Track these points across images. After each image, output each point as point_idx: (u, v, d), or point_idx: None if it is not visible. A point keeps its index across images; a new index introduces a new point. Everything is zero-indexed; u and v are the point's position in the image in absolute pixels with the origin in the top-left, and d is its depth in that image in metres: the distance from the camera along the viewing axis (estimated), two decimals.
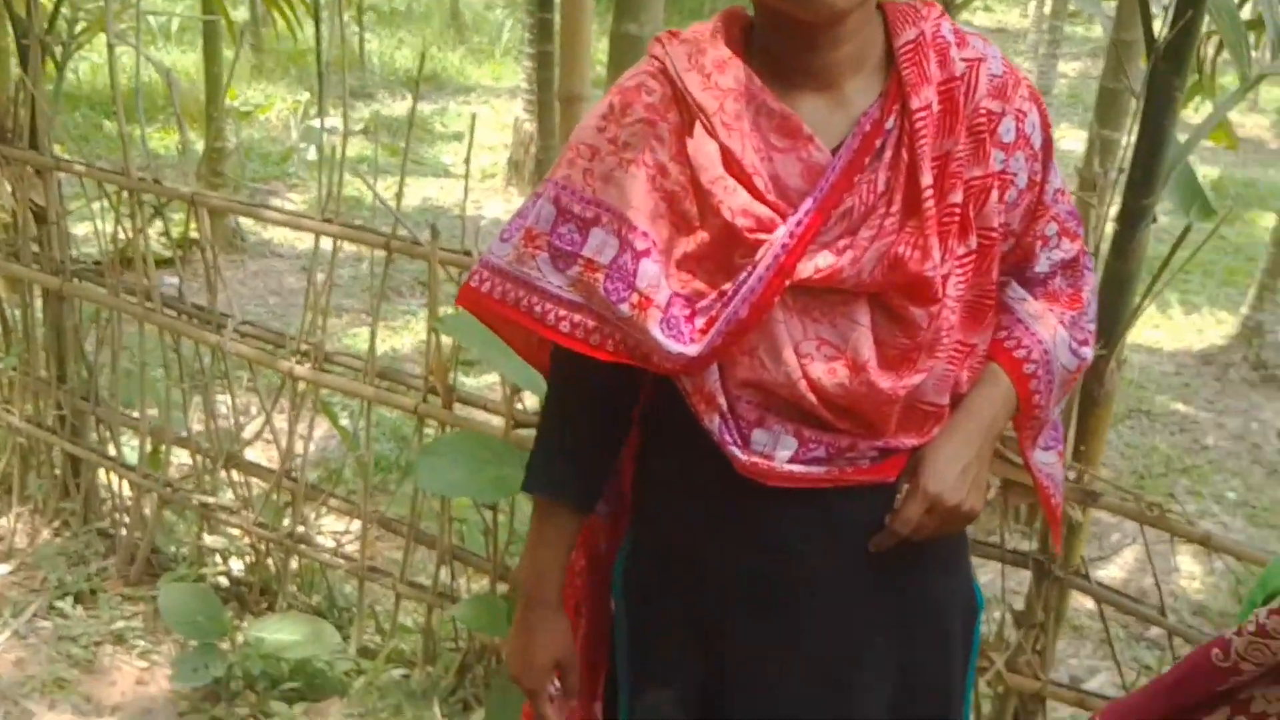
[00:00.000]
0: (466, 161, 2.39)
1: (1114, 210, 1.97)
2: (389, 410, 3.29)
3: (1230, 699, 0.59)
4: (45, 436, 2.99)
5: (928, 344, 1.21)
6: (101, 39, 2.72)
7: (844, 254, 1.17)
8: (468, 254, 2.15)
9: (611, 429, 1.38)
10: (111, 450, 2.98)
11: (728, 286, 1.18)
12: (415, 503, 2.46)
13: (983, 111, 1.22)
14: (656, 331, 1.17)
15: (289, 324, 5.53)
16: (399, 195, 2.37)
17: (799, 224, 1.16)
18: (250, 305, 5.71)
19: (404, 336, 5.31)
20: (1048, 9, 9.59)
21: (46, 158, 2.75)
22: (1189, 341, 5.89)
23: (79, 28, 2.97)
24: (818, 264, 1.16)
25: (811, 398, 1.20)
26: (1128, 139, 1.99)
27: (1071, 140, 9.28)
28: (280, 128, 8.52)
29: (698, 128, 1.19)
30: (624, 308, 1.19)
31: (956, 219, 1.20)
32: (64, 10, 2.85)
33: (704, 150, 1.18)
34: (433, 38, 11.53)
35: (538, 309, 1.25)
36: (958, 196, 1.20)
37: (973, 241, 1.23)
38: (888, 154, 1.18)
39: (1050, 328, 1.32)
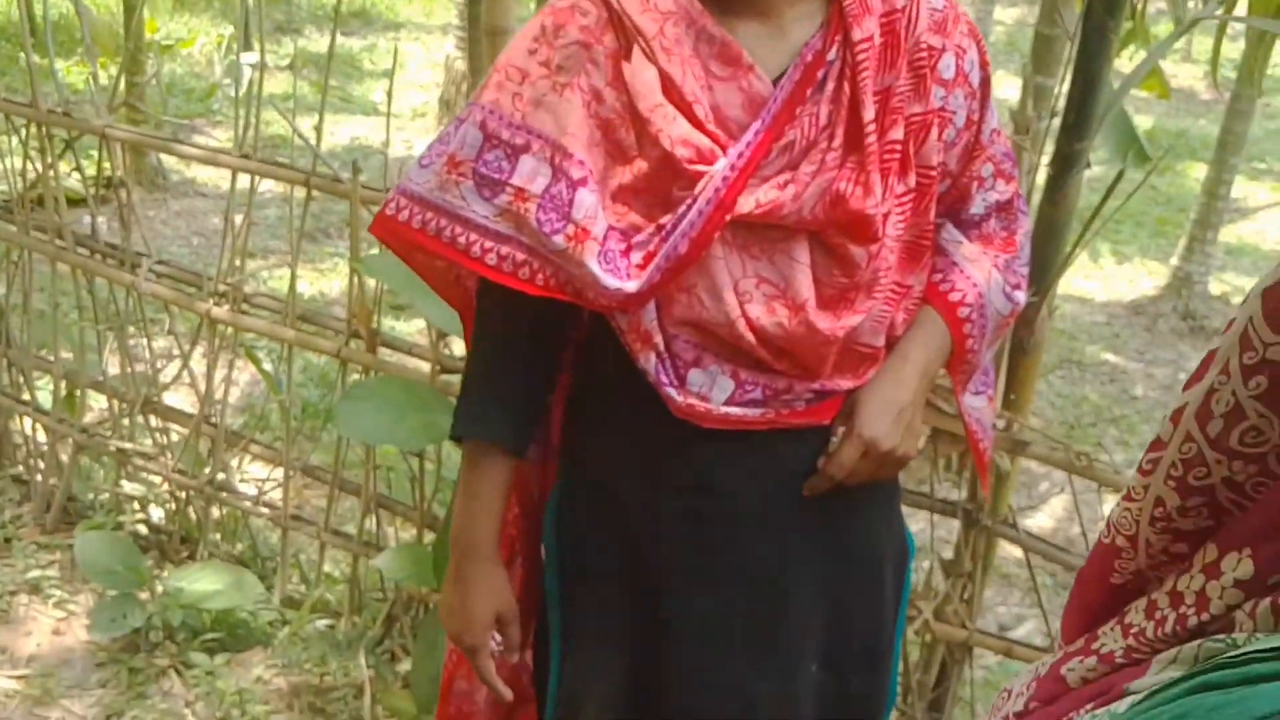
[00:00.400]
0: (389, 95, 2.29)
1: (1047, 157, 1.95)
2: (315, 355, 3.21)
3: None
4: None
5: (866, 284, 1.19)
6: None
7: (785, 189, 1.13)
8: (388, 191, 2.08)
9: (543, 368, 1.33)
10: (25, 395, 2.87)
11: (666, 220, 1.14)
12: (340, 450, 2.39)
13: (924, 46, 1.19)
14: (594, 265, 1.13)
15: (212, 265, 5.41)
16: (318, 131, 2.28)
17: (740, 156, 1.13)
18: (173, 246, 5.56)
19: (331, 279, 5.20)
20: None
21: None
22: (1120, 292, 5.95)
23: None
24: (759, 198, 1.13)
25: (750, 337, 1.17)
26: (1061, 87, 1.97)
27: (1009, 87, 9.29)
28: (204, 63, 8.27)
29: (636, 52, 1.14)
30: (558, 239, 1.13)
31: (897, 156, 1.18)
32: None
33: (642, 76, 1.13)
34: None
35: (461, 239, 1.18)
36: (899, 133, 1.17)
37: (912, 180, 1.20)
38: (830, 86, 1.15)
39: (985, 271, 1.30)
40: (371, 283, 2.12)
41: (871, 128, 1.14)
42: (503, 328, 1.29)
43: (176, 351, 2.75)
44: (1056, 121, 1.93)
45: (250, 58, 7.86)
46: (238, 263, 2.37)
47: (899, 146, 1.17)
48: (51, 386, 2.76)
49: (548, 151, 1.15)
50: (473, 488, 1.31)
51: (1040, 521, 3.66)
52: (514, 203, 1.15)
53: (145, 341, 2.63)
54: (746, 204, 1.12)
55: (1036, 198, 1.97)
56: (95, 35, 3.29)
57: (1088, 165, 1.93)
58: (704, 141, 1.12)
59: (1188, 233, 5.64)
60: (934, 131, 1.20)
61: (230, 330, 2.41)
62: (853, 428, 1.24)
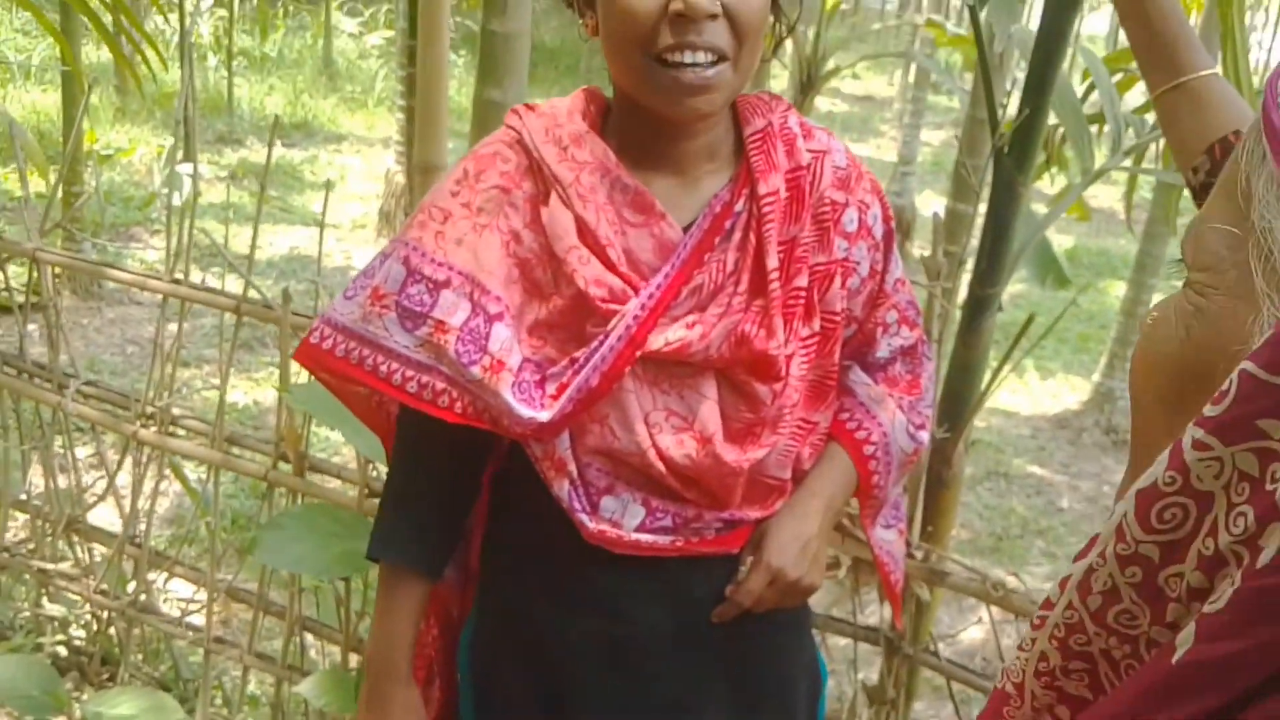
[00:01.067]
0: (320, 227, 2.33)
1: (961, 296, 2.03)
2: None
3: None
4: None
5: (771, 419, 1.24)
6: None
7: (693, 329, 1.19)
8: None
9: (459, 493, 1.37)
10: None
11: (580, 354, 1.19)
12: (265, 571, 2.37)
13: (827, 201, 1.26)
14: (508, 395, 1.17)
15: (144, 376, 5.38)
16: (252, 249, 2.30)
17: (651, 297, 1.19)
18: (106, 354, 5.53)
19: (265, 388, 5.19)
20: (912, 79, 9.90)
21: None
22: (1045, 406, 6.09)
23: None
24: (668, 337, 1.18)
25: (660, 466, 1.21)
26: (978, 218, 2.06)
27: (936, 206, 9.59)
28: (144, 172, 8.29)
29: (553, 198, 1.20)
30: (475, 370, 1.18)
31: (801, 301, 1.24)
32: None
33: (559, 220, 1.19)
34: (305, 84, 11.39)
35: (383, 368, 1.23)
36: (803, 280, 1.24)
37: (816, 324, 1.27)
38: (736, 235, 1.22)
39: (890, 412, 1.37)
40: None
41: (775, 275, 1.21)
42: (421, 453, 1.33)
43: (99, 469, 2.73)
44: (967, 263, 2.01)
45: (188, 168, 7.93)
46: (166, 382, 2.37)
47: (803, 293, 1.24)
48: None
49: (467, 287, 1.20)
50: (388, 608, 1.33)
51: (972, 634, 3.70)
52: (434, 334, 1.20)
53: (70, 459, 2.61)
54: (656, 341, 1.18)
55: (951, 339, 2.04)
56: (27, 151, 3.31)
57: (999, 309, 2.02)
58: (616, 282, 1.18)
59: (1109, 349, 5.81)
60: (837, 280, 1.27)
61: (155, 450, 2.41)
62: (760, 557, 1.28)
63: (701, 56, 1.12)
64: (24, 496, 2.67)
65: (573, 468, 1.23)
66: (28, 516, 2.69)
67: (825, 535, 1.35)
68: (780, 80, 12.86)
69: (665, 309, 1.19)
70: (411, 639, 1.34)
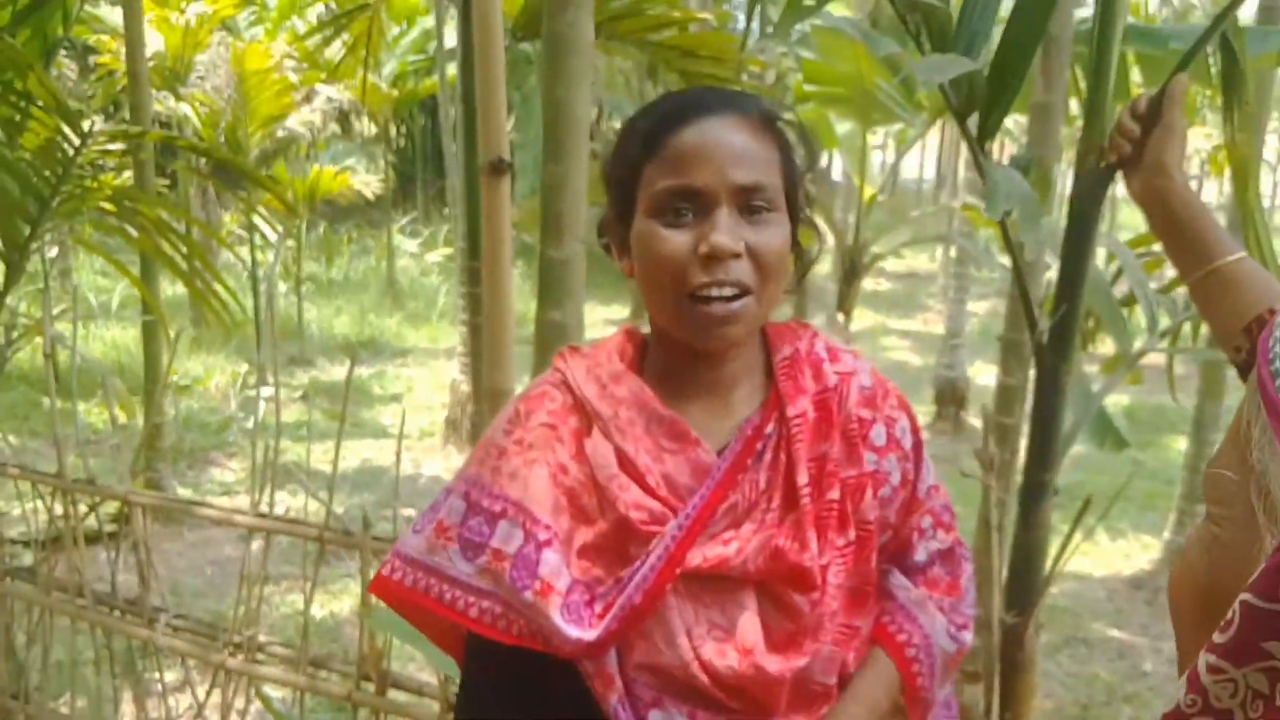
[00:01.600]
0: (397, 456, 2.48)
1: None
2: None
3: None
4: None
5: (811, 628, 1.30)
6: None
7: (730, 545, 1.27)
8: None
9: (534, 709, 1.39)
10: None
11: (624, 574, 1.27)
12: None
13: (855, 418, 1.36)
14: (557, 617, 1.24)
15: (225, 596, 5.53)
16: (334, 474, 2.45)
17: (688, 517, 1.27)
18: (187, 577, 5.68)
19: (341, 600, 5.29)
20: (953, 254, 10.14)
21: None
22: (1117, 567, 6.02)
23: (15, 333, 3.10)
24: (706, 554, 1.26)
25: (704, 679, 1.26)
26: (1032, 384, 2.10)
27: (986, 376, 9.64)
28: (219, 397, 8.64)
29: (595, 431, 1.30)
30: (527, 595, 1.25)
31: (835, 513, 1.32)
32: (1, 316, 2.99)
33: (600, 451, 1.29)
34: (370, 304, 11.87)
35: (448, 595, 1.31)
36: (835, 493, 1.32)
37: (851, 534, 1.34)
38: (768, 456, 1.31)
39: (930, 614, 1.42)
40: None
41: (806, 491, 1.29)
42: (489, 682, 1.38)
43: (188, 696, 2.84)
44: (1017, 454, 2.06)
45: (265, 391, 8.26)
46: (252, 613, 2.50)
47: (836, 505, 1.32)
48: None
49: (519, 517, 1.29)
50: None
51: None
52: (492, 562, 1.29)
53: (161, 693, 2.73)
54: (695, 558, 1.26)
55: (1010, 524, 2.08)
56: (116, 396, 3.54)
57: (1055, 493, 2.05)
58: (655, 506, 1.27)
59: (1176, 506, 5.77)
60: (869, 491, 1.35)
61: (242, 677, 2.52)
62: None
63: (728, 291, 1.23)
64: None
65: (619, 683, 1.28)
66: None
67: None
68: (824, 265, 13.17)
69: (703, 528, 1.27)
70: None
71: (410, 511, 6.59)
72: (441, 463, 7.66)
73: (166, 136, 4.05)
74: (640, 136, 1.28)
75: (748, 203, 1.25)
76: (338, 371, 9.73)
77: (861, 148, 5.52)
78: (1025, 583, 2.03)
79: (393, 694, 2.31)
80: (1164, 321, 2.35)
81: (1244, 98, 1.67)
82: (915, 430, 1.42)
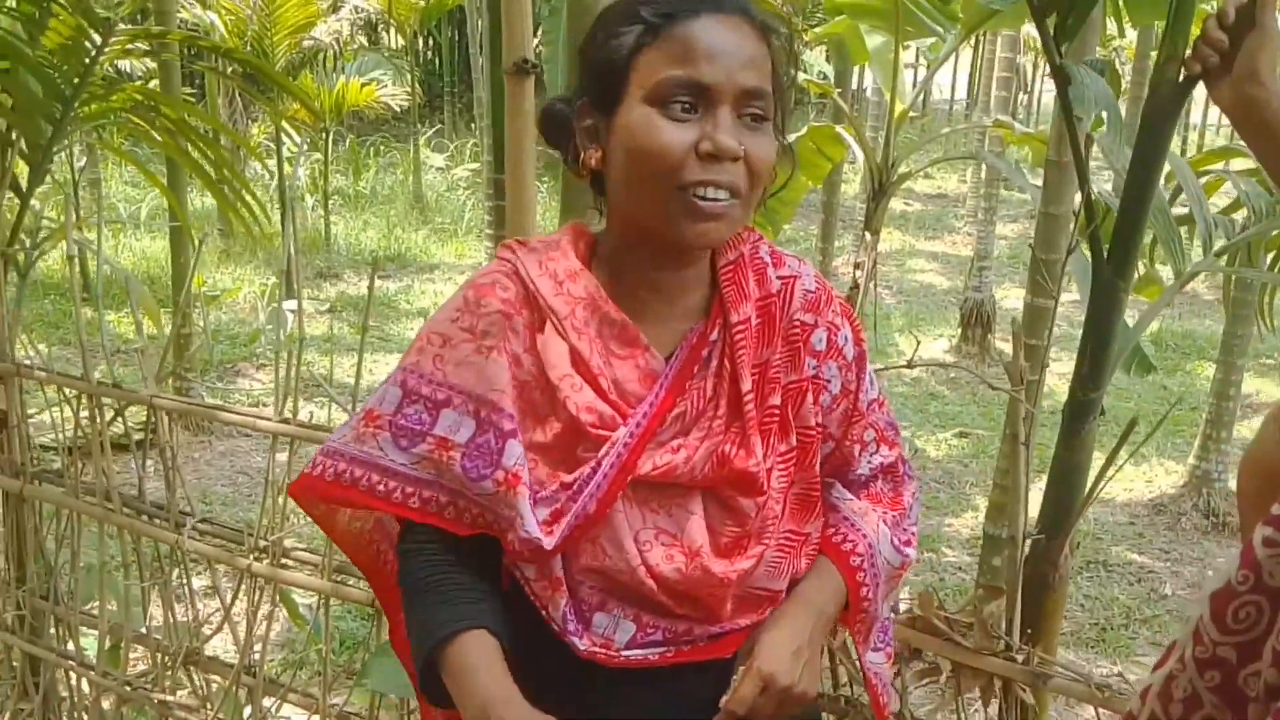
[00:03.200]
0: None
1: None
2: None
3: None
4: (4, 636, 3.00)
5: (756, 531, 1.31)
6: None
7: (678, 453, 1.27)
8: None
9: (485, 576, 1.36)
10: (71, 649, 2.99)
11: (569, 479, 1.27)
12: (374, 696, 2.48)
13: (797, 323, 1.35)
14: (525, 507, 1.25)
15: (254, 505, 5.61)
16: (356, 382, 2.45)
17: (639, 425, 1.27)
18: (218, 486, 5.77)
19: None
20: (983, 175, 9.99)
21: (8, 364, 2.83)
22: (1140, 491, 6.01)
23: (41, 235, 3.09)
24: (655, 461, 1.27)
25: (651, 583, 1.28)
26: (1056, 309, 2.04)
27: (1014, 299, 9.58)
28: (248, 310, 8.68)
29: (548, 327, 1.29)
30: (488, 484, 1.26)
31: (776, 419, 1.32)
32: (26, 220, 2.98)
33: (554, 348, 1.28)
34: (397, 219, 11.85)
35: (380, 487, 1.30)
36: (776, 399, 1.32)
37: (793, 439, 1.35)
38: (713, 363, 1.31)
39: (873, 524, 1.42)
40: None
41: (749, 398, 1.30)
42: (437, 555, 1.35)
43: (216, 601, 2.88)
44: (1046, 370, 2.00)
45: (291, 304, 8.27)
46: (277, 518, 2.52)
47: (777, 411, 1.32)
48: (97, 641, 2.87)
49: (470, 405, 1.28)
50: (473, 669, 1.26)
51: None
52: (435, 451, 1.28)
53: (187, 594, 2.77)
54: (645, 466, 1.26)
55: (1035, 442, 2.03)
56: (141, 302, 3.54)
57: (1102, 412, 2.01)
58: (606, 410, 1.27)
59: (1202, 431, 5.74)
60: (809, 397, 1.35)
61: (267, 582, 2.54)
62: (751, 664, 1.31)
63: (721, 194, 1.22)
64: (144, 631, 2.82)
65: (565, 586, 1.29)
66: (147, 650, 2.83)
67: (818, 645, 1.38)
68: (853, 185, 13.04)
69: (652, 435, 1.28)
70: (508, 675, 1.26)
71: None
72: None
73: (190, 36, 4.00)
74: (641, 21, 1.24)
75: (747, 108, 1.23)
76: (364, 285, 9.74)
77: (894, 62, 5.40)
78: (1064, 502, 2.00)
79: None
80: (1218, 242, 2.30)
81: None
82: (859, 340, 1.42)
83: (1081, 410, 1.97)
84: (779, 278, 1.36)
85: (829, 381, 1.38)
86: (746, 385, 1.30)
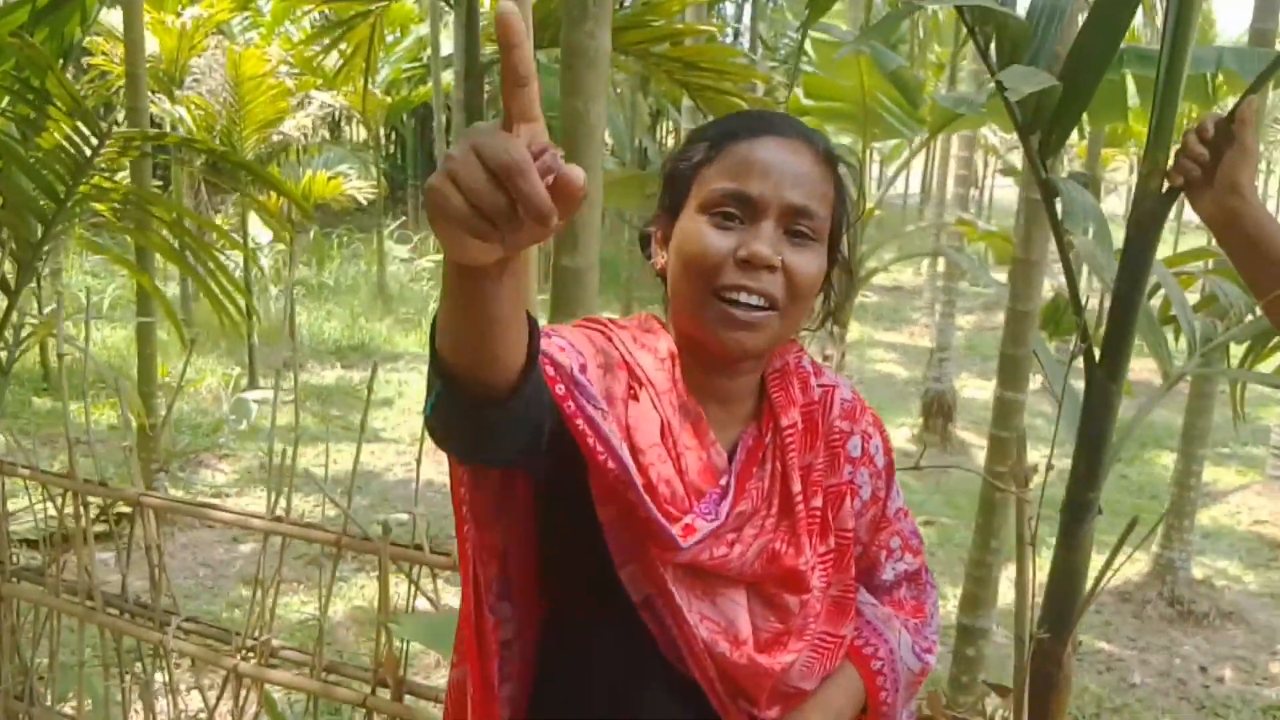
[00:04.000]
0: (418, 464, 2.47)
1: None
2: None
3: None
4: None
5: (797, 629, 1.35)
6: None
7: (733, 547, 1.30)
8: (419, 548, 2.24)
9: None
10: None
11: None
12: None
13: (836, 430, 1.41)
14: (650, 502, 1.24)
15: (216, 598, 5.53)
16: (351, 485, 2.44)
17: (719, 522, 1.29)
18: (180, 579, 5.68)
19: (336, 605, 5.28)
20: (940, 268, 10.17)
21: None
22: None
23: (24, 333, 3.10)
24: (713, 552, 1.29)
25: (708, 662, 1.30)
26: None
27: (972, 389, 9.73)
28: (211, 400, 8.62)
29: (644, 396, 1.31)
30: (601, 412, 1.22)
31: (818, 520, 1.37)
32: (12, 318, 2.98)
33: (648, 418, 1.30)
34: (361, 309, 11.87)
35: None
36: (818, 501, 1.37)
37: (831, 541, 1.39)
38: (768, 464, 1.35)
39: (895, 631, 1.46)
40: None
41: (799, 498, 1.35)
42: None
43: (198, 699, 2.84)
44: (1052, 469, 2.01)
45: (255, 395, 8.23)
46: (265, 617, 2.50)
47: (819, 512, 1.37)
48: None
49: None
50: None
51: None
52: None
53: (170, 697, 2.73)
54: (703, 555, 1.29)
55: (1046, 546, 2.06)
56: (128, 399, 3.53)
57: (1099, 512, 2.04)
58: (680, 489, 1.29)
59: (1165, 520, 5.83)
60: (847, 500, 1.41)
61: (254, 682, 2.52)
62: None
63: (753, 299, 1.26)
64: None
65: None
66: None
67: None
68: None
69: (723, 530, 1.30)
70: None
71: (403, 516, 6.60)
72: (435, 467, 7.65)
73: (186, 140, 4.05)
74: (708, 140, 1.32)
75: (794, 224, 1.28)
76: (328, 375, 9.72)
77: (861, 162, 5.55)
78: (1065, 601, 2.02)
79: (409, 700, 2.32)
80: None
81: None
82: (888, 450, 1.47)
83: (1080, 510, 1.99)
84: (819, 386, 1.42)
85: (861, 487, 1.43)
86: (797, 486, 1.35)
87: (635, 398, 1.32)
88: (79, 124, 2.64)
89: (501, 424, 1.07)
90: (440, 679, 4.49)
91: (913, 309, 14.56)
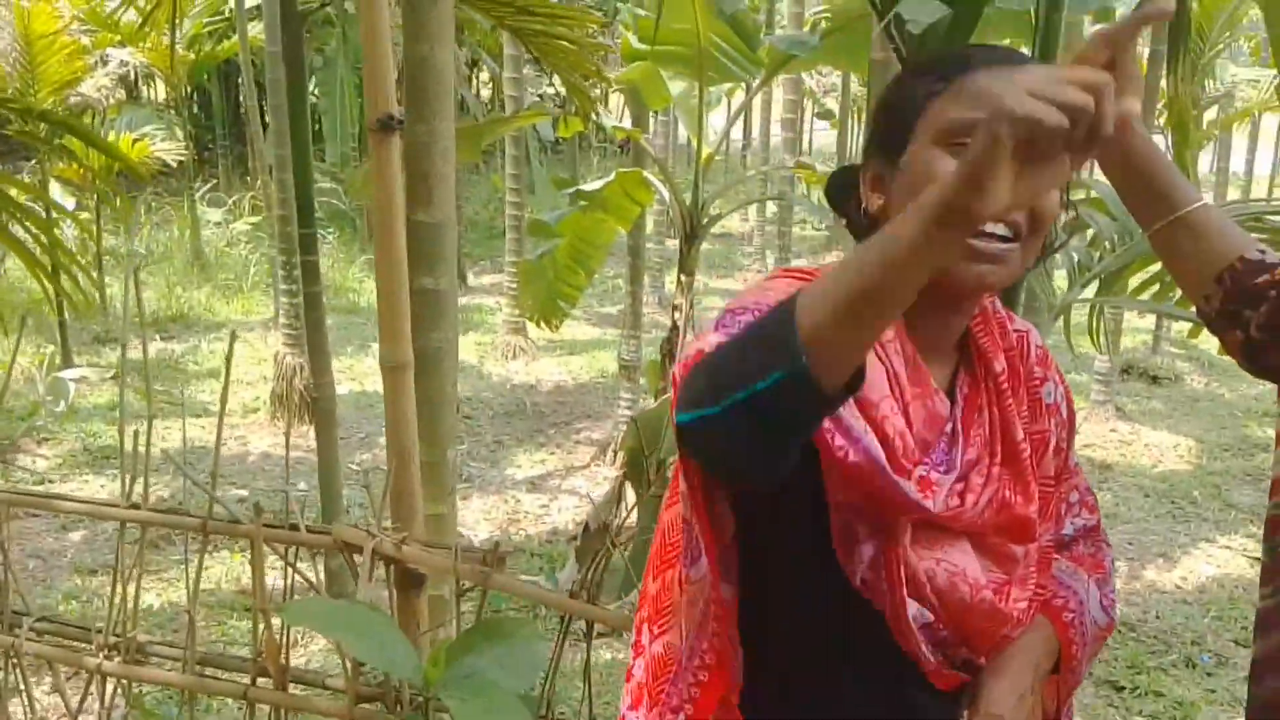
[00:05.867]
0: (287, 441, 2.33)
1: None
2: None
3: None
4: None
5: (1019, 579, 1.32)
6: None
7: (964, 497, 1.27)
8: (294, 528, 2.11)
9: None
10: None
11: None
12: None
13: (1036, 376, 1.39)
14: (886, 462, 1.20)
15: (51, 589, 5.21)
16: (147, 439, 2.26)
17: (953, 470, 1.26)
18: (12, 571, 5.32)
19: (177, 590, 5.04)
20: (768, 214, 10.24)
21: None
22: None
23: None
24: (947, 504, 1.26)
25: (934, 600, 1.26)
26: None
27: None
28: (23, 381, 8.09)
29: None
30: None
31: (1028, 467, 1.34)
32: None
33: (875, 365, 1.24)
34: (177, 277, 11.34)
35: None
36: (1026, 448, 1.34)
37: (1034, 489, 1.35)
38: (985, 411, 1.32)
39: (1083, 584, 1.43)
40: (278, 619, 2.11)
41: (1024, 444, 1.31)
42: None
43: (60, 704, 2.65)
44: None
45: (72, 373, 7.77)
46: (128, 610, 2.33)
47: (1027, 460, 1.34)
48: None
49: None
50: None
51: None
52: (759, 307, 1.20)
53: (26, 700, 2.53)
54: (936, 507, 1.25)
55: None
56: None
57: None
58: (910, 442, 1.25)
59: None
60: (1047, 447, 1.38)
61: (121, 682, 2.35)
62: (981, 706, 1.32)
63: (1000, 229, 1.20)
64: None
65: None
66: None
67: (1038, 694, 1.37)
68: (660, 226, 13.26)
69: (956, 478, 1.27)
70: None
71: (242, 491, 6.33)
72: (270, 439, 7.38)
73: None
74: (937, 74, 1.25)
75: None
76: (149, 348, 9.24)
77: (699, 107, 5.52)
78: None
79: (294, 689, 2.19)
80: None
81: (1188, 47, 1.70)
82: (1070, 400, 1.44)
83: None
84: (1014, 331, 1.38)
85: (1051, 434, 1.39)
86: (1020, 434, 1.31)
87: None
88: None
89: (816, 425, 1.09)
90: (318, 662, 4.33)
91: (743, 255, 14.73)
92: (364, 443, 7.38)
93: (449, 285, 2.92)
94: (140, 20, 8.28)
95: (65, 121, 3.47)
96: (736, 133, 20.50)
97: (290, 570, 2.20)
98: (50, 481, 6.46)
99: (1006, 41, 3.98)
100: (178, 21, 11.53)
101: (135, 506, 2.27)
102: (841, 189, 1.38)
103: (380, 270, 2.15)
